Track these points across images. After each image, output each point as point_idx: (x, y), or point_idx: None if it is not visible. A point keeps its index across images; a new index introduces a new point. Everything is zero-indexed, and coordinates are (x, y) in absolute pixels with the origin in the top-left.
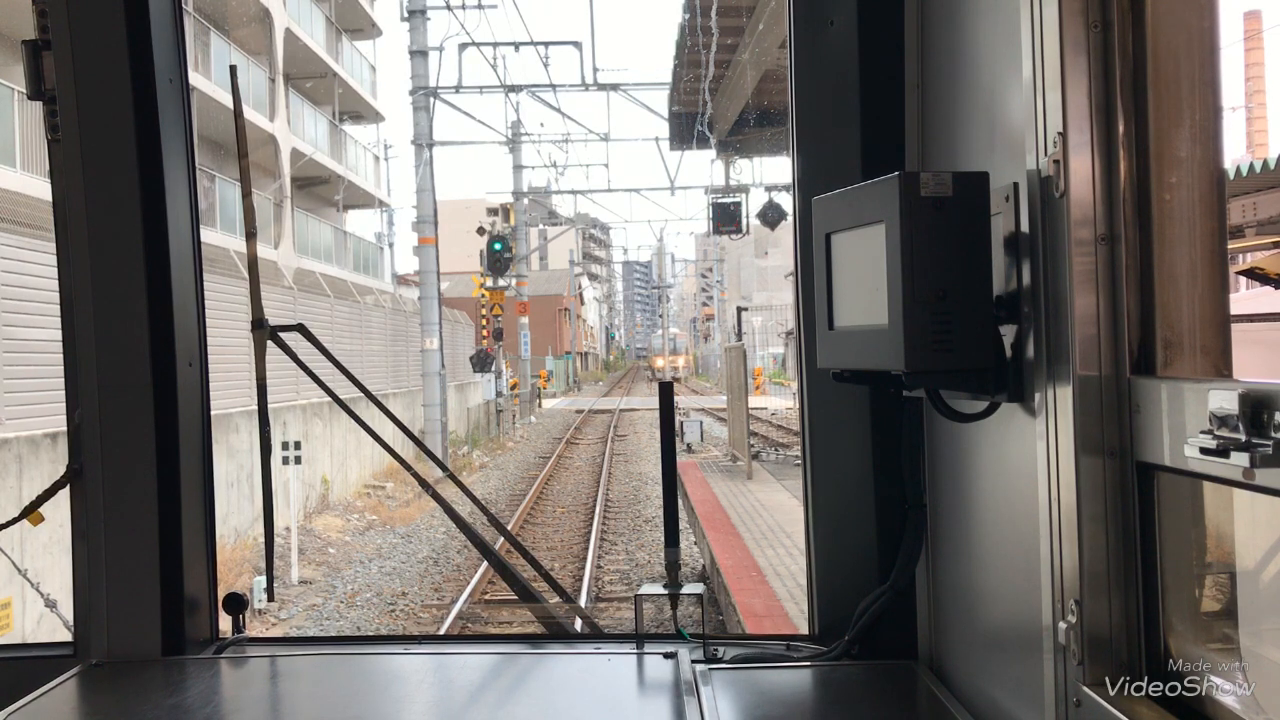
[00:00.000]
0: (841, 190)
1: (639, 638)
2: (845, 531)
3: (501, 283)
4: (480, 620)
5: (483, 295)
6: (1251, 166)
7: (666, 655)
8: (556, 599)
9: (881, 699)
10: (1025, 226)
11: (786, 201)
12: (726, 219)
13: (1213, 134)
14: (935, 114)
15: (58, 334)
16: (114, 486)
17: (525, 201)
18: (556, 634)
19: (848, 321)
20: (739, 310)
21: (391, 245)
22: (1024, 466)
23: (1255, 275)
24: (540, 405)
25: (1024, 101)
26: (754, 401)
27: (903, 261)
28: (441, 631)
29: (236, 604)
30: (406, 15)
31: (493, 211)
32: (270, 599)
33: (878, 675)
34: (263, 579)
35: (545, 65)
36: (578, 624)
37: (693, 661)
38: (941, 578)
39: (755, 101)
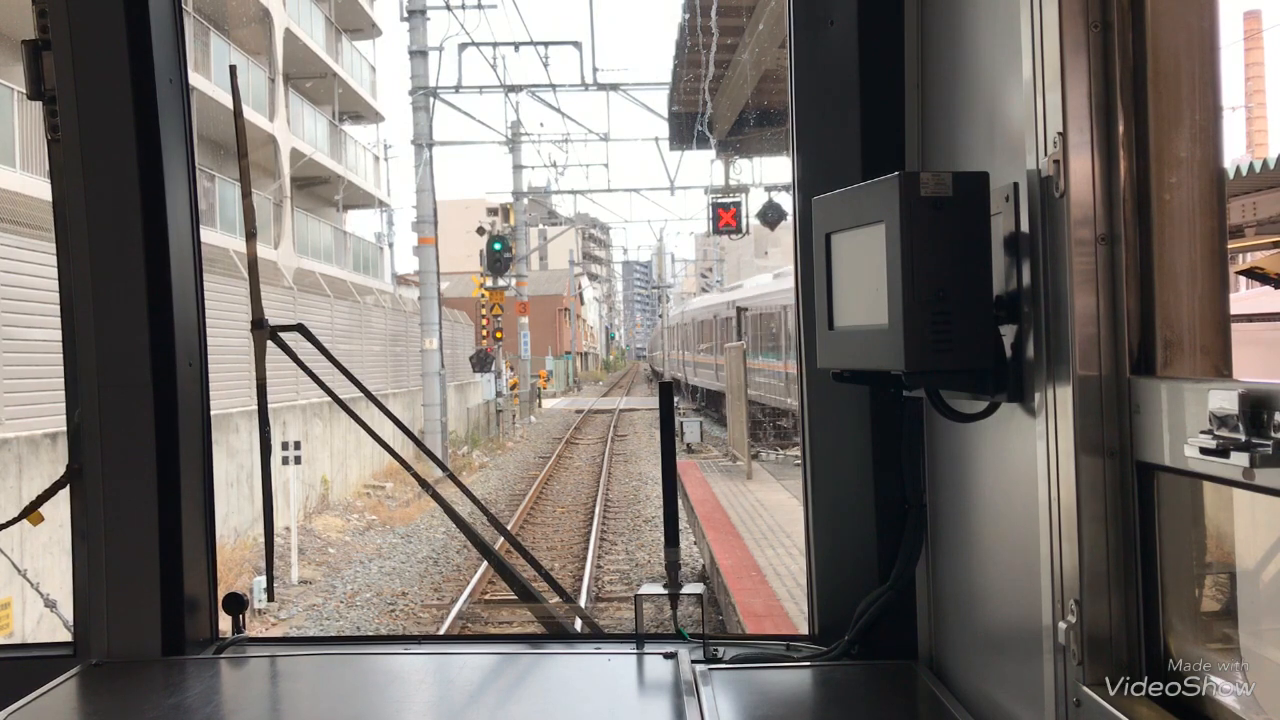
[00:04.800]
0: (841, 190)
1: (639, 638)
2: (845, 531)
3: (501, 283)
4: (480, 620)
5: (483, 295)
6: (1251, 166)
7: (666, 655)
8: (556, 599)
9: (881, 699)
10: (1025, 226)
11: (786, 201)
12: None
13: (1213, 134)
14: (935, 114)
15: (58, 334)
16: (114, 486)
17: (525, 201)
18: (556, 634)
19: (848, 321)
20: (739, 310)
21: (391, 245)
22: (1024, 466)
23: (1255, 275)
24: (540, 405)
25: (1024, 101)
26: None
27: (903, 261)
28: (441, 631)
29: (236, 604)
30: (406, 15)
31: (493, 211)
32: (270, 599)
33: (878, 675)
34: (263, 579)
35: (545, 65)
36: (578, 624)
37: (693, 661)
38: (941, 578)
39: (755, 101)
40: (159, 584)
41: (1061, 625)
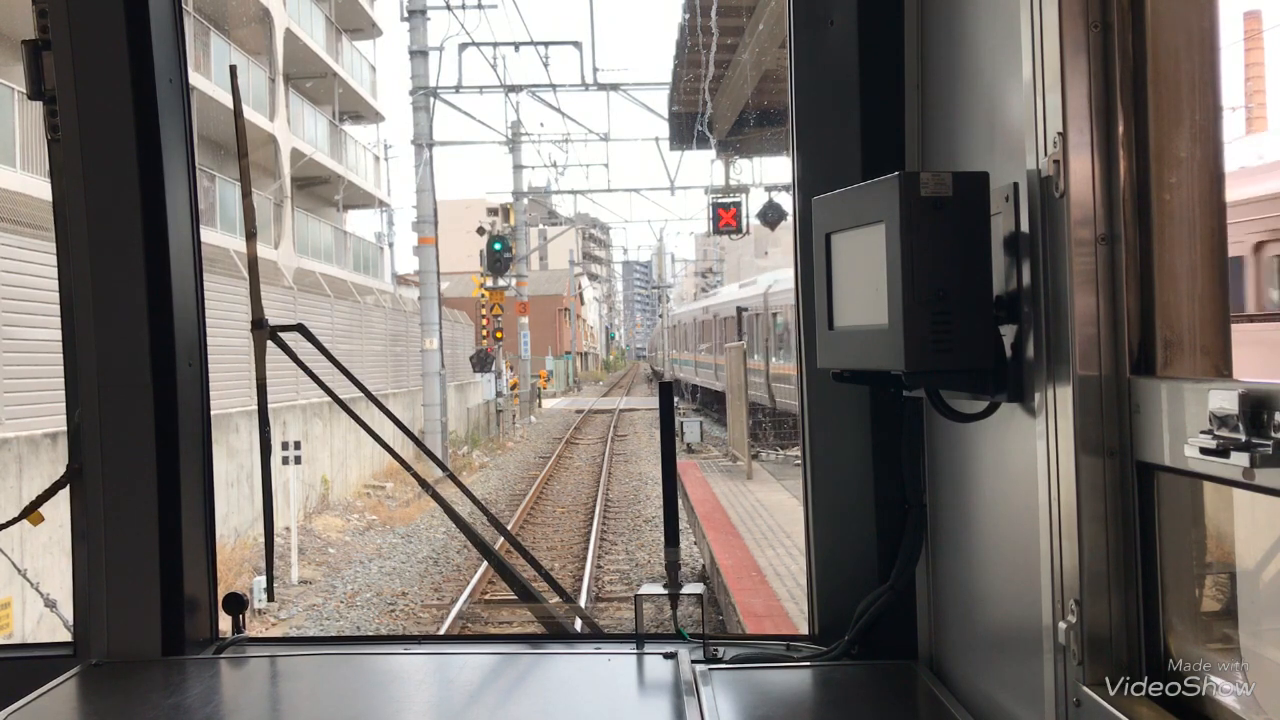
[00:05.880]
0: (841, 190)
1: (639, 638)
2: (845, 531)
3: (501, 283)
4: (480, 620)
5: (483, 295)
6: None
7: (666, 655)
8: (556, 599)
9: (881, 699)
10: (1025, 226)
11: (786, 201)
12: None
13: (1213, 134)
14: (935, 114)
15: (58, 334)
16: (114, 486)
17: (525, 201)
18: (556, 634)
19: (848, 321)
20: (739, 310)
21: (391, 245)
22: (1024, 466)
23: None
24: (540, 405)
25: (1024, 101)
26: None
27: (903, 261)
28: (441, 631)
29: (236, 604)
30: (406, 15)
31: (493, 211)
32: (270, 599)
33: (878, 675)
34: (263, 579)
35: (545, 65)
36: (578, 624)
37: (693, 662)
38: (941, 578)
39: (755, 101)
40: (159, 584)
41: (1061, 625)
